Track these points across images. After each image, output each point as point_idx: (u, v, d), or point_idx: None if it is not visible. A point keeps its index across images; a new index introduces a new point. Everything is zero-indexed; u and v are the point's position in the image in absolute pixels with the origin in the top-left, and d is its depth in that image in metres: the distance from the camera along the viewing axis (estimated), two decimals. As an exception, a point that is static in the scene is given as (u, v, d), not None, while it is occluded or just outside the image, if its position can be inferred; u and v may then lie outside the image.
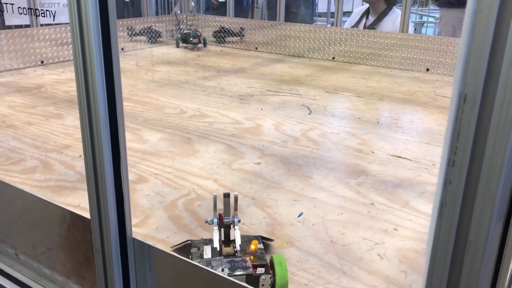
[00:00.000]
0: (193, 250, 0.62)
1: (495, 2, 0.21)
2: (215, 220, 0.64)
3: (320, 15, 4.68)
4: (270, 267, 0.58)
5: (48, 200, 0.53)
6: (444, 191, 0.25)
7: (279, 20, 2.38)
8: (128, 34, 2.35)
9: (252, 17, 3.03)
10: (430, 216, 0.79)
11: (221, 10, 2.61)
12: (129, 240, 0.46)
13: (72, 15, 0.43)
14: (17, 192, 0.58)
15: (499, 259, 0.32)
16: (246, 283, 0.55)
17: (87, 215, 0.51)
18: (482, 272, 0.25)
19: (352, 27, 2.60)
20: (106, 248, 0.45)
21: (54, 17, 1.65)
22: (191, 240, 0.65)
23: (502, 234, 0.29)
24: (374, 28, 2.50)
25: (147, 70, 1.87)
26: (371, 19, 2.55)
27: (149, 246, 0.46)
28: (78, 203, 0.79)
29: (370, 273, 0.63)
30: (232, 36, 2.49)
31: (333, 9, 3.81)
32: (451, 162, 0.24)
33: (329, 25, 3.10)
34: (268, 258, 0.60)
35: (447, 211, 0.25)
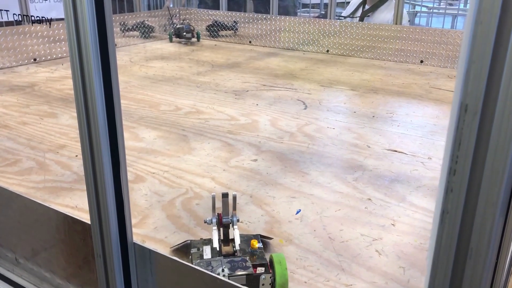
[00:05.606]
0: (193, 250, 0.62)
1: (495, 14, 0.21)
2: (214, 220, 0.65)
3: (313, 6, 4.65)
4: (270, 266, 0.59)
5: (47, 205, 0.53)
6: (445, 199, 0.25)
7: (272, 13, 2.38)
8: (120, 29, 2.33)
9: (245, 11, 3.02)
10: (428, 212, 0.78)
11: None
12: (130, 245, 0.46)
13: (68, 11, 0.42)
14: (15, 196, 0.57)
15: (496, 262, 0.33)
16: (247, 282, 0.56)
17: (86, 218, 0.51)
18: (483, 278, 0.26)
19: (349, 16, 2.60)
20: (107, 254, 0.45)
21: (50, 24, 1.63)
22: (190, 240, 0.65)
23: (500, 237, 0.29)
24: (368, 16, 2.50)
25: (140, 66, 1.86)
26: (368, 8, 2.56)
27: (150, 250, 0.46)
28: (76, 204, 0.79)
29: (369, 270, 0.64)
30: (226, 30, 2.48)
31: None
32: (452, 171, 0.24)
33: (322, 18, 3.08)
34: (267, 257, 0.60)
35: (448, 218, 0.25)
